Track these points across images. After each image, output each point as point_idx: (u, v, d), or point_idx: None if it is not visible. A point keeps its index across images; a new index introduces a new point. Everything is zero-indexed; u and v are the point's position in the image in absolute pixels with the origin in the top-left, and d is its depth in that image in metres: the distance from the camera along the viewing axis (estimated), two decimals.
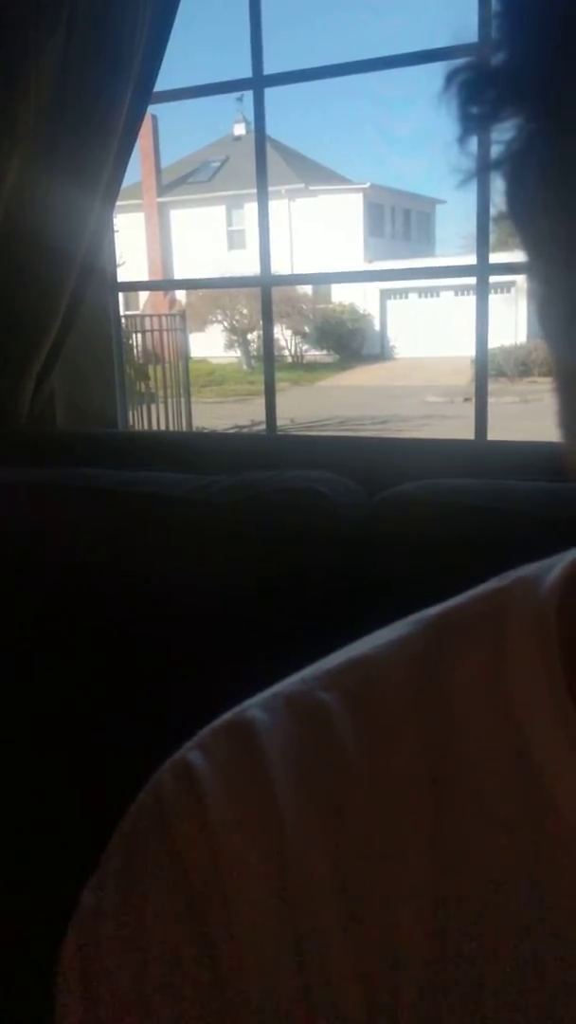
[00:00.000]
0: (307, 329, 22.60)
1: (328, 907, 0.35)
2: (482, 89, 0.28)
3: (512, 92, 0.28)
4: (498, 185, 0.31)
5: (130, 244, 19.95)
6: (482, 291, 1.27)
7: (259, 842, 0.36)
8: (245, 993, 0.34)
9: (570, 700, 0.35)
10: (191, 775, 0.37)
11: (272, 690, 0.41)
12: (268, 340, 1.51)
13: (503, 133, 0.29)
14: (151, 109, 1.38)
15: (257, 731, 0.38)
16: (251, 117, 1.44)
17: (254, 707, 0.40)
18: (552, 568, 0.39)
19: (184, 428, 8.06)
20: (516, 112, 0.28)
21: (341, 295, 22.93)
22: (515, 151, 0.29)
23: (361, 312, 22.96)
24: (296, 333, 22.21)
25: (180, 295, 17.86)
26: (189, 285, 6.42)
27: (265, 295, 1.48)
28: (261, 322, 1.54)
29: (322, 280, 8.31)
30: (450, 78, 0.29)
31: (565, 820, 0.34)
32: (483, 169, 0.30)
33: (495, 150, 0.29)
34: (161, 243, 23.78)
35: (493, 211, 1.18)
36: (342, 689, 0.39)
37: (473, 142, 0.30)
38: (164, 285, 15.87)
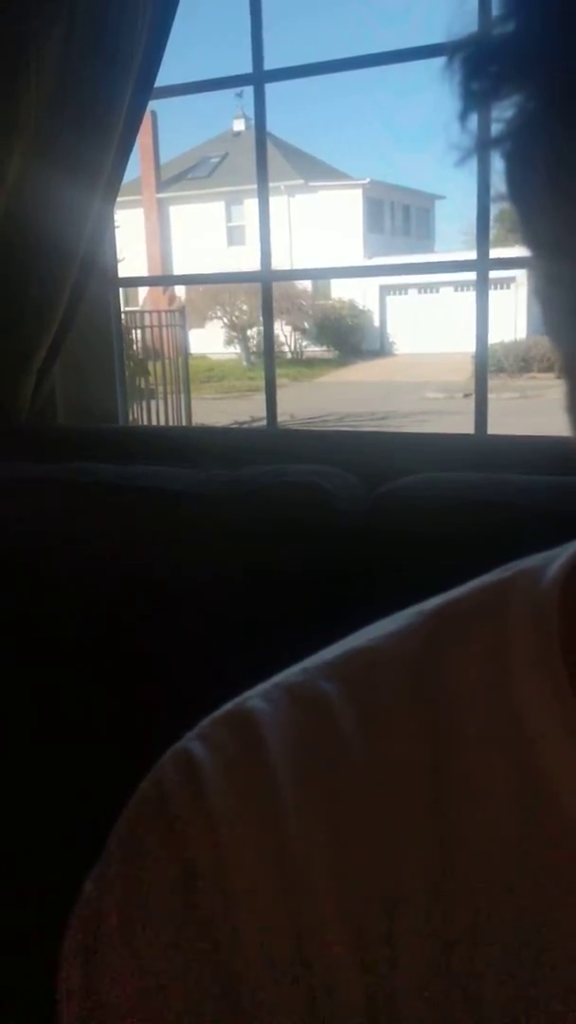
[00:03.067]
0: (307, 325, 22.56)
1: (329, 896, 0.35)
2: (484, 64, 0.28)
3: (514, 68, 0.28)
4: (499, 179, 0.31)
5: (129, 240, 19.90)
6: (482, 287, 1.27)
7: (260, 832, 0.36)
8: (246, 980, 0.34)
9: (570, 691, 0.35)
10: (192, 765, 0.37)
11: (273, 680, 0.41)
12: (268, 336, 1.51)
13: (504, 111, 0.28)
14: (150, 105, 1.37)
15: (258, 721, 0.38)
16: (251, 113, 1.44)
17: (255, 697, 0.40)
18: (553, 560, 0.39)
19: (183, 424, 8.05)
20: (518, 88, 0.28)
21: (341, 291, 22.87)
22: (516, 129, 0.29)
23: (361, 308, 22.92)
24: (296, 329, 22.17)
25: (180, 291, 17.83)
26: (189, 280, 6.42)
27: (265, 290, 1.47)
28: (261, 318, 1.54)
29: (323, 275, 8.30)
30: (452, 53, 0.29)
31: (565, 810, 0.34)
32: (483, 147, 0.30)
33: (496, 129, 0.29)
34: (160, 239, 23.72)
35: (494, 201, 1.18)
36: (343, 679, 0.39)
37: (473, 120, 0.29)
38: (164, 280, 15.87)
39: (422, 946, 0.34)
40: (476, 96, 0.29)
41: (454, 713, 0.37)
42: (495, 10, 0.28)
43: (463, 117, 0.29)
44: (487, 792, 0.35)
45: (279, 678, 0.41)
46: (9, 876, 0.89)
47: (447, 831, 0.35)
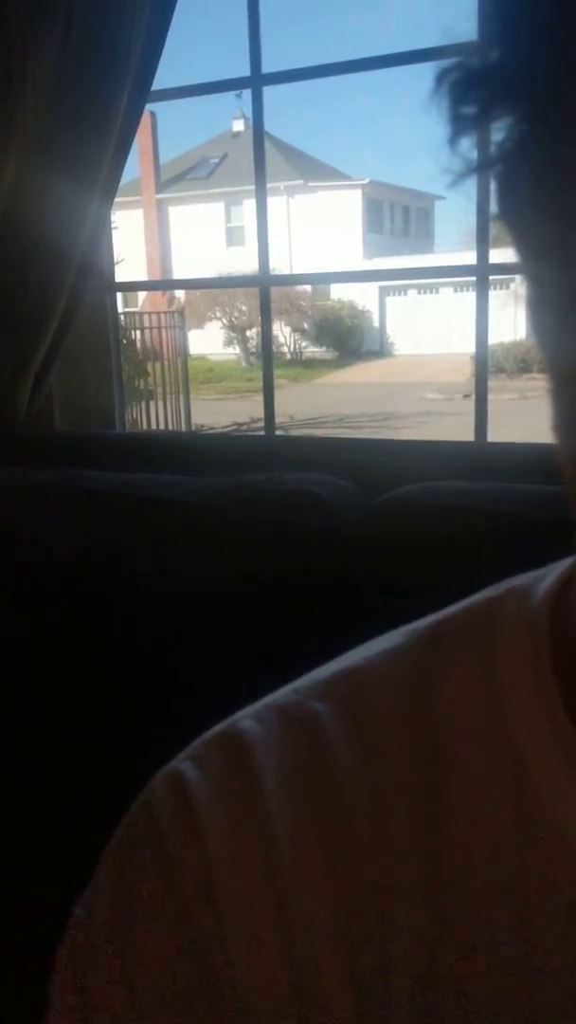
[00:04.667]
0: (306, 326, 22.59)
1: (321, 916, 0.35)
2: (472, 89, 0.28)
3: (503, 92, 0.28)
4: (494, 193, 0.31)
5: (128, 241, 19.94)
6: (482, 291, 1.26)
7: (251, 853, 0.36)
8: (238, 1001, 0.34)
9: (562, 709, 0.35)
10: (183, 787, 0.37)
11: (265, 700, 0.41)
12: (267, 339, 1.50)
13: (495, 134, 0.29)
14: (149, 106, 1.37)
15: (249, 742, 0.38)
16: (250, 113, 1.43)
17: (246, 718, 0.40)
18: (544, 578, 0.40)
19: (183, 425, 8.07)
20: (507, 112, 0.28)
21: (340, 292, 22.91)
22: (506, 152, 0.29)
23: (360, 309, 22.96)
24: (295, 330, 22.21)
25: (179, 292, 17.85)
26: (188, 285, 6.38)
27: (264, 295, 1.47)
28: (260, 319, 1.54)
29: (321, 280, 8.31)
30: (440, 78, 0.29)
31: (557, 829, 0.34)
32: (473, 170, 0.30)
33: (486, 152, 0.29)
34: (159, 240, 23.76)
35: (493, 220, 1.18)
36: (335, 699, 0.39)
37: (464, 143, 0.29)
38: (162, 285, 15.81)
39: (415, 966, 0.34)
40: (465, 120, 0.29)
41: (446, 732, 0.37)
42: (482, 35, 0.28)
43: (453, 141, 0.29)
44: (479, 811, 0.35)
45: (271, 698, 0.41)
46: (2, 893, 0.89)
47: (439, 851, 0.35)
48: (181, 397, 8.34)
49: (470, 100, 0.28)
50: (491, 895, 0.34)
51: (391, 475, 0.98)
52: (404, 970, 0.34)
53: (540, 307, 0.31)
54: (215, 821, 0.36)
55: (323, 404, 12.96)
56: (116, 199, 1.38)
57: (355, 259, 22.59)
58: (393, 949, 0.34)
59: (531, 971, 0.33)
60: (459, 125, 0.29)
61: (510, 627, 0.38)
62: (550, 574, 0.39)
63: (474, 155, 0.30)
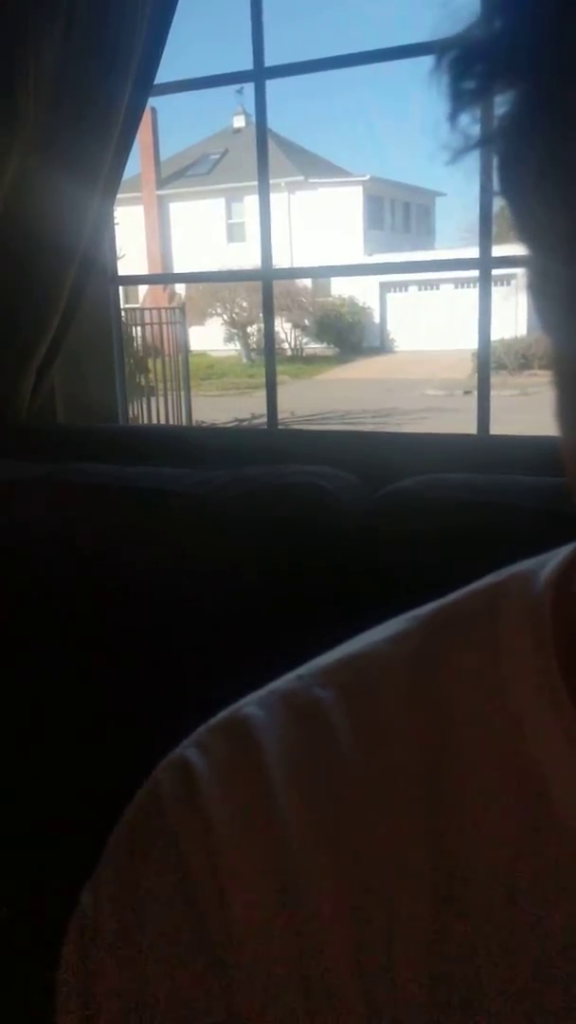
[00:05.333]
0: (307, 322, 22.55)
1: (326, 903, 0.35)
2: (473, 64, 0.28)
3: (504, 66, 0.28)
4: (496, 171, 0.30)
5: (129, 237, 19.90)
6: (484, 286, 1.26)
7: (257, 840, 0.36)
8: (245, 990, 0.34)
9: (566, 694, 0.35)
10: (189, 774, 0.38)
11: (268, 687, 0.41)
12: (269, 334, 1.50)
13: (496, 109, 0.28)
14: (150, 101, 1.37)
15: (254, 728, 0.38)
16: (251, 109, 1.43)
17: (250, 705, 0.40)
18: (547, 563, 0.40)
19: (184, 421, 8.05)
20: (508, 86, 0.28)
21: (341, 288, 22.85)
22: (507, 127, 0.28)
23: (361, 305, 22.91)
24: (296, 326, 22.17)
25: (180, 288, 17.80)
26: (189, 279, 6.36)
27: (266, 289, 1.47)
28: (261, 315, 1.53)
29: (324, 273, 8.29)
30: (441, 54, 0.28)
31: (560, 814, 0.34)
32: (473, 146, 0.30)
33: (487, 127, 0.29)
34: (160, 236, 23.72)
35: (495, 195, 1.17)
36: (338, 686, 0.39)
37: (463, 119, 0.29)
38: (164, 279, 15.79)
39: (421, 955, 0.34)
40: (466, 96, 0.28)
41: (450, 719, 0.37)
42: (482, 8, 0.28)
43: (453, 117, 0.29)
44: (484, 798, 0.35)
45: (274, 685, 0.41)
46: (7, 884, 0.89)
47: (444, 838, 0.35)
48: (182, 393, 8.33)
49: (471, 75, 0.28)
50: (496, 885, 0.34)
51: (393, 468, 0.98)
52: (408, 949, 0.34)
53: (545, 300, 0.31)
54: (220, 807, 0.36)
55: (324, 400, 12.93)
56: (117, 195, 1.38)
57: (356, 255, 22.55)
58: (397, 931, 0.34)
59: (538, 967, 0.33)
60: (459, 101, 0.28)
61: (513, 613, 0.38)
62: (552, 559, 0.39)
63: (474, 131, 0.29)
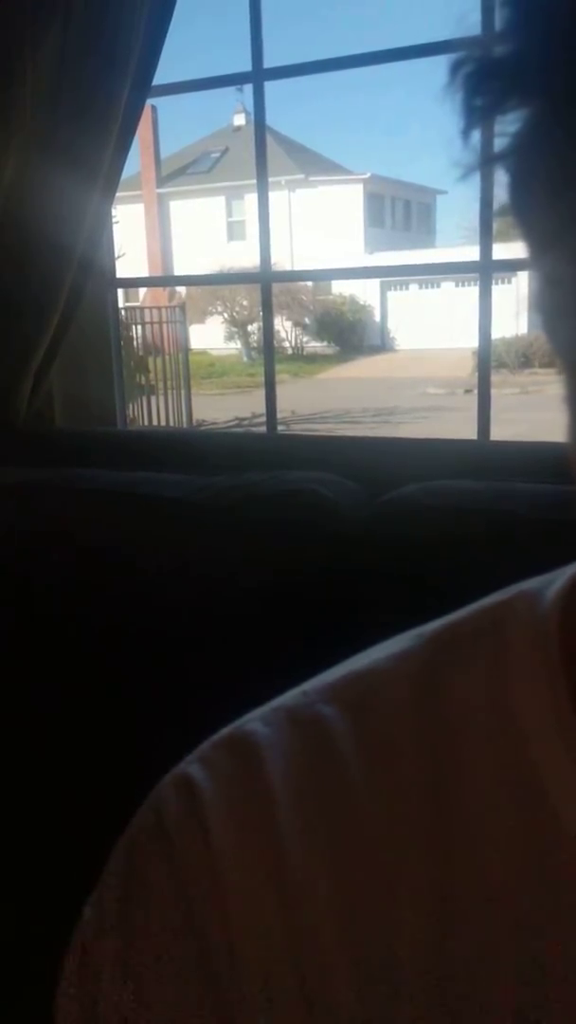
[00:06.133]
0: (307, 321, 22.57)
1: (328, 920, 0.35)
2: (487, 80, 0.28)
3: (518, 83, 0.27)
4: (501, 179, 0.30)
5: (129, 235, 19.91)
6: (485, 287, 1.26)
7: (259, 857, 0.36)
8: (244, 1009, 0.34)
9: (572, 713, 0.35)
10: (192, 790, 0.38)
11: (273, 703, 0.41)
12: (268, 335, 1.49)
13: (507, 126, 0.28)
14: (151, 100, 1.36)
15: (258, 745, 0.38)
16: (251, 108, 1.43)
17: (254, 720, 0.40)
18: (553, 582, 0.39)
19: (184, 421, 8.07)
20: (521, 104, 0.28)
21: (341, 286, 22.88)
22: (520, 144, 0.28)
23: (361, 304, 22.93)
24: (296, 325, 22.20)
25: (180, 287, 17.82)
26: (189, 281, 6.36)
27: (265, 291, 1.46)
28: (261, 314, 1.53)
29: (323, 276, 8.28)
30: (454, 70, 0.28)
31: (567, 832, 0.34)
32: (486, 163, 0.30)
33: (499, 143, 0.29)
34: (160, 234, 23.74)
35: (496, 205, 1.17)
36: (343, 703, 0.39)
37: (476, 135, 0.29)
38: (164, 281, 15.81)
39: (421, 965, 0.34)
40: (479, 112, 0.28)
41: (454, 736, 0.37)
42: (497, 25, 0.28)
43: (466, 133, 0.29)
44: (488, 814, 0.35)
45: (278, 701, 0.41)
46: (8, 897, 0.89)
47: (448, 855, 0.35)
48: (182, 392, 8.35)
49: (485, 91, 0.28)
50: (500, 900, 0.34)
51: (394, 474, 0.98)
52: (411, 965, 0.34)
53: (554, 310, 0.31)
54: (223, 822, 0.36)
55: (324, 399, 12.94)
56: (117, 194, 1.37)
57: (356, 253, 22.57)
58: (399, 946, 0.34)
59: (541, 979, 0.33)
60: (472, 117, 0.28)
61: (519, 631, 0.38)
62: (559, 578, 0.39)
63: (486, 148, 0.29)
